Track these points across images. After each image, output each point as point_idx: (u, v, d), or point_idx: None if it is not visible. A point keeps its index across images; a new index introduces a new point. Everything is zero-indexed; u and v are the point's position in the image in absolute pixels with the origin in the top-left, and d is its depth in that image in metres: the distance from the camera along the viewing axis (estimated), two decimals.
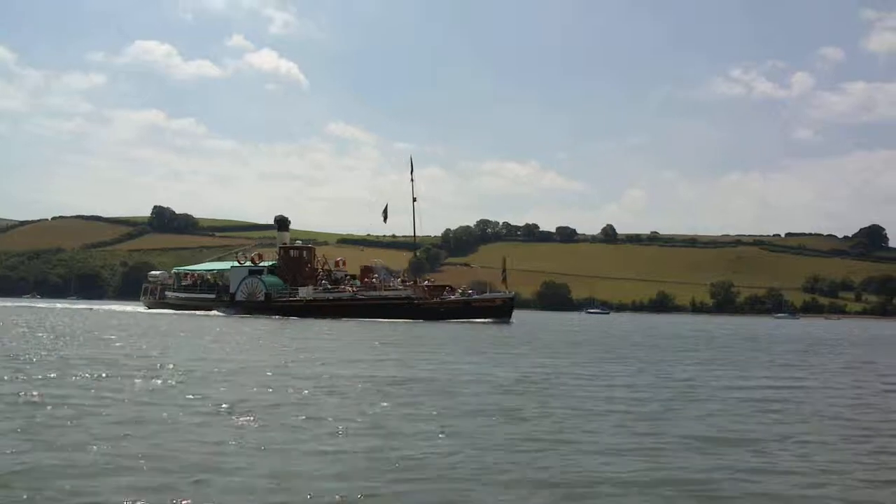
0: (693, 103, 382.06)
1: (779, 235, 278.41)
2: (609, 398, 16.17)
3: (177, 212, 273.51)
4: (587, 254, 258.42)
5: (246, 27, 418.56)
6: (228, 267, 79.70)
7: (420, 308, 66.71)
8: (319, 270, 76.36)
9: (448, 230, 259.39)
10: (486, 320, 63.88)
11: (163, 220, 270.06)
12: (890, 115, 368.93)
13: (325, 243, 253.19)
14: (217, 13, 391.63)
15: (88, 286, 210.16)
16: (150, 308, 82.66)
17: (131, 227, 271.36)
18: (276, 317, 66.53)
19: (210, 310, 73.90)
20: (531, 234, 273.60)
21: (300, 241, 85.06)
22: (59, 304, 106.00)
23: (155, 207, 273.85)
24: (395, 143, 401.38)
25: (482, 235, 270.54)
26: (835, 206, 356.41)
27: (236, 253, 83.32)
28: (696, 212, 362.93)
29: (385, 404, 14.45)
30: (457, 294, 70.08)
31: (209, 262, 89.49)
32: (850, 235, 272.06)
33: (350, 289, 71.44)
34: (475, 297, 69.04)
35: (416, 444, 10.89)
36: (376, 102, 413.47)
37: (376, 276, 72.68)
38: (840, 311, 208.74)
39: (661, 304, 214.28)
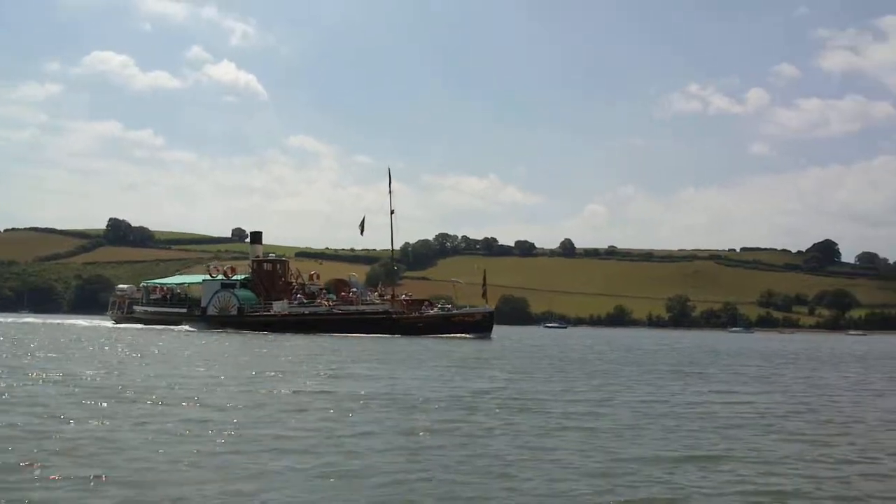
0: (651, 119, 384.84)
1: (734, 250, 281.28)
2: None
3: (133, 224, 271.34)
4: (545, 268, 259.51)
5: (205, 38, 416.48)
6: (200, 280, 77.86)
7: (398, 323, 65.21)
8: (294, 284, 74.89)
9: (407, 244, 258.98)
10: (467, 335, 62.49)
11: (118, 232, 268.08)
12: (843, 131, 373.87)
13: (284, 256, 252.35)
14: (176, 24, 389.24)
15: (42, 300, 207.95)
16: (117, 322, 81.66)
17: (86, 240, 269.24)
18: (250, 332, 64.79)
19: (180, 324, 72.62)
20: (490, 248, 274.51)
21: (273, 255, 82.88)
22: (27, 319, 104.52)
23: (110, 220, 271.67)
24: (355, 156, 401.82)
25: (441, 249, 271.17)
26: (789, 221, 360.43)
27: (208, 266, 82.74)
28: (654, 226, 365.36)
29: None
30: (436, 309, 68.92)
31: (178, 275, 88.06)
32: (803, 250, 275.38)
33: (326, 303, 69.95)
34: (455, 311, 67.97)
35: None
36: (336, 115, 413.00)
37: (353, 290, 71.12)
38: (794, 325, 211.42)
39: (618, 319, 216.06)
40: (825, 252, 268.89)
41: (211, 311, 72.17)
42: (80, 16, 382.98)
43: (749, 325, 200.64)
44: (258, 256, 77.45)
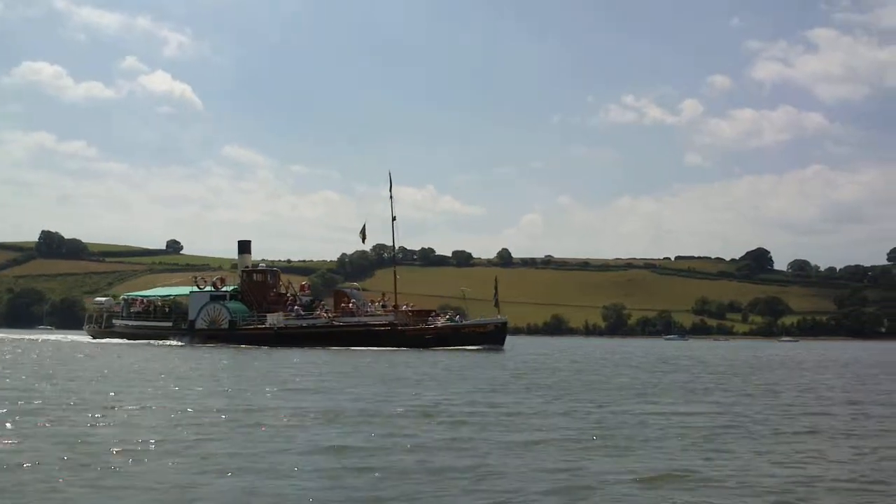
0: (587, 129, 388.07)
1: (669, 259, 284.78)
2: None
3: (66, 237, 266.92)
4: (483, 277, 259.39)
5: (139, 49, 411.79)
6: (186, 292, 73.55)
7: (404, 335, 61.76)
8: (288, 295, 71.49)
9: (344, 254, 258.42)
10: (477, 347, 58.99)
11: (51, 245, 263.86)
12: (776, 141, 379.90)
13: (220, 268, 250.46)
14: (110, 34, 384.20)
15: None
16: (95, 337, 77.80)
17: (18, 253, 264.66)
18: (243, 346, 61.81)
19: (165, 339, 69.16)
20: (427, 258, 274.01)
21: (263, 265, 79.02)
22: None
23: (43, 232, 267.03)
24: (291, 166, 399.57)
25: (378, 260, 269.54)
26: (723, 230, 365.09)
27: (194, 277, 77.35)
28: (590, 236, 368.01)
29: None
30: (444, 320, 65.15)
31: (162, 287, 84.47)
32: (737, 258, 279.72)
33: (325, 315, 66.44)
34: (465, 322, 64.47)
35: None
36: (271, 125, 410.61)
37: (353, 301, 67.19)
38: (728, 333, 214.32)
39: (556, 327, 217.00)
40: (758, 260, 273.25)
41: (199, 324, 68.87)
42: (11, 25, 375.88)
43: (684, 333, 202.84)
44: (247, 267, 73.39)
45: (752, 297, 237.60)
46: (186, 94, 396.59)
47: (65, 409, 17.29)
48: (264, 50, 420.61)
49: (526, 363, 42.77)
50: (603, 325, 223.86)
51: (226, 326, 67.58)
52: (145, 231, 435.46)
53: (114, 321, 77.68)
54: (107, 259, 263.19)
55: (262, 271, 73.52)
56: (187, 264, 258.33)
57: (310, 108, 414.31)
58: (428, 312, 66.49)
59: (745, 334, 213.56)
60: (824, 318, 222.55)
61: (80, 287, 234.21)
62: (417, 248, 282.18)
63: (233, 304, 68.80)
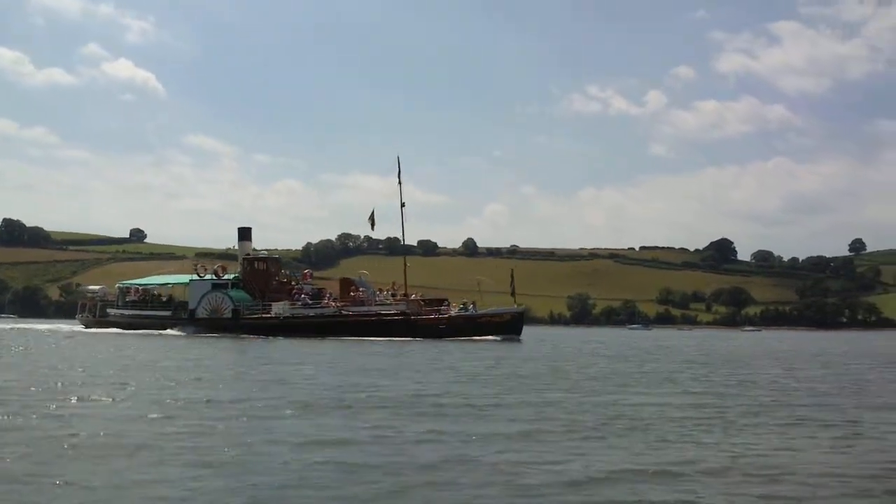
0: (552, 119, 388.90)
1: (633, 249, 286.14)
2: None
3: (27, 224, 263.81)
4: (448, 267, 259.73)
5: (101, 35, 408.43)
6: (186, 280, 71.33)
7: (418, 325, 60.08)
8: (293, 284, 69.28)
9: (309, 244, 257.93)
10: (494, 338, 57.52)
11: (12, 233, 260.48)
12: (739, 132, 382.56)
13: (184, 257, 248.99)
14: (71, 20, 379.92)
15: None
16: (88, 327, 75.59)
17: None
18: (250, 336, 59.62)
19: (164, 328, 66.81)
20: (392, 247, 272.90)
21: (265, 252, 76.61)
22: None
23: (4, 220, 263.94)
24: (255, 155, 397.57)
25: (344, 249, 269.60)
26: (687, 220, 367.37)
27: (195, 265, 75.52)
28: (555, 226, 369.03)
29: None
30: (457, 309, 63.46)
31: (157, 274, 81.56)
32: (700, 249, 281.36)
33: (333, 304, 64.43)
34: (480, 312, 62.48)
35: None
36: (235, 113, 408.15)
37: (361, 289, 65.21)
38: (691, 322, 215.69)
39: None
40: (722, 250, 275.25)
41: (200, 313, 67.06)
42: None
43: (648, 323, 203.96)
44: (248, 254, 71.01)
45: (716, 287, 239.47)
46: (150, 82, 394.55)
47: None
48: (228, 38, 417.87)
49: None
50: (568, 314, 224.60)
51: (229, 316, 65.92)
52: (108, 219, 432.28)
53: (108, 310, 75.54)
54: (69, 247, 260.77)
55: (264, 259, 71.59)
56: (151, 253, 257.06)
57: (274, 96, 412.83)
58: (440, 301, 64.97)
59: (708, 324, 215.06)
60: (787, 308, 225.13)
61: (42, 275, 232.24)
62: (383, 237, 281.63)
63: (235, 293, 66.93)
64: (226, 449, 11.91)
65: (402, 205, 69.84)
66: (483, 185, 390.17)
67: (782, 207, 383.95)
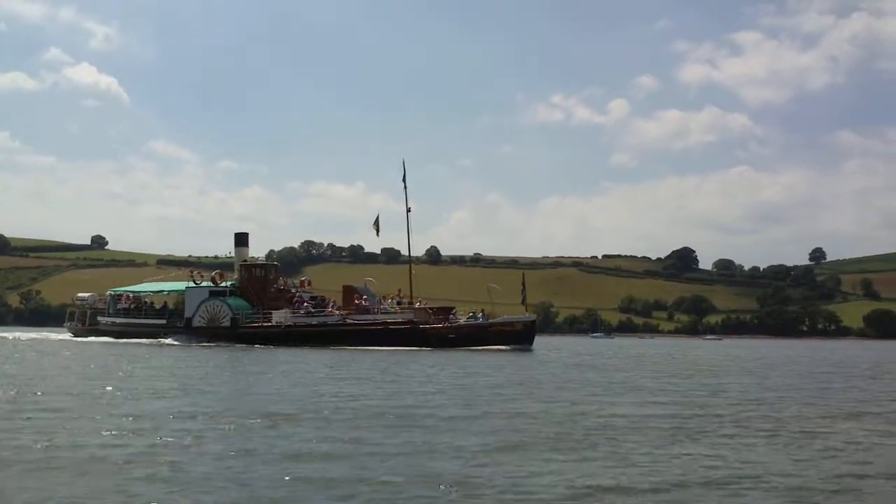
0: (516, 128, 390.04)
1: (596, 257, 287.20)
2: None
3: None
4: (413, 275, 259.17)
5: (64, 40, 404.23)
6: (182, 287, 69.22)
7: (426, 334, 58.30)
8: (294, 292, 67.93)
9: (272, 251, 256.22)
10: (504, 347, 55.92)
11: None
12: (701, 141, 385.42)
13: (145, 264, 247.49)
14: (32, 25, 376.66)
15: None
16: (77, 336, 73.62)
17: None
18: (247, 345, 58.35)
19: (158, 337, 65.09)
20: (356, 255, 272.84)
21: (261, 258, 74.91)
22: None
23: None
24: (219, 162, 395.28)
25: (307, 257, 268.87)
26: (649, 229, 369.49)
27: (191, 272, 72.31)
28: (519, 234, 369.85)
29: None
30: (467, 317, 62.55)
31: (149, 282, 79.31)
32: (663, 257, 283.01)
33: (336, 312, 62.68)
34: (491, 320, 61.16)
35: None
36: (200, 120, 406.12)
37: (364, 297, 63.63)
38: (653, 331, 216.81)
39: None
40: (683, 259, 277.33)
41: (197, 322, 65.07)
42: None
43: (610, 331, 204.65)
44: (245, 261, 69.07)
45: (678, 295, 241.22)
46: (112, 88, 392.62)
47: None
48: (192, 44, 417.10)
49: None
50: None
51: (227, 325, 63.97)
52: (70, 226, 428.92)
53: (99, 318, 73.53)
54: (30, 254, 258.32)
55: (263, 265, 69.80)
56: (113, 260, 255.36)
57: (238, 103, 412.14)
58: (448, 310, 63.45)
59: (670, 332, 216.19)
60: (748, 316, 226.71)
61: (2, 283, 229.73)
62: (347, 245, 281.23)
63: (234, 301, 64.94)
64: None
65: (408, 210, 68.30)
66: (448, 193, 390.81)
67: (744, 217, 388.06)
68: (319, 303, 66.07)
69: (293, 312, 62.81)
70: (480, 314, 62.96)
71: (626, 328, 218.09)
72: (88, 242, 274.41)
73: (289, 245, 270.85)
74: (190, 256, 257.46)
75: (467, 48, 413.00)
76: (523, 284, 63.83)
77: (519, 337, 58.61)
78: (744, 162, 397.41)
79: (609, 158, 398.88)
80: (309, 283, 72.41)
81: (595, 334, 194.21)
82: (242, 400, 20.40)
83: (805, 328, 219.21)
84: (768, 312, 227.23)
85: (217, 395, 21.32)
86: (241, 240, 71.56)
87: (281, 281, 70.21)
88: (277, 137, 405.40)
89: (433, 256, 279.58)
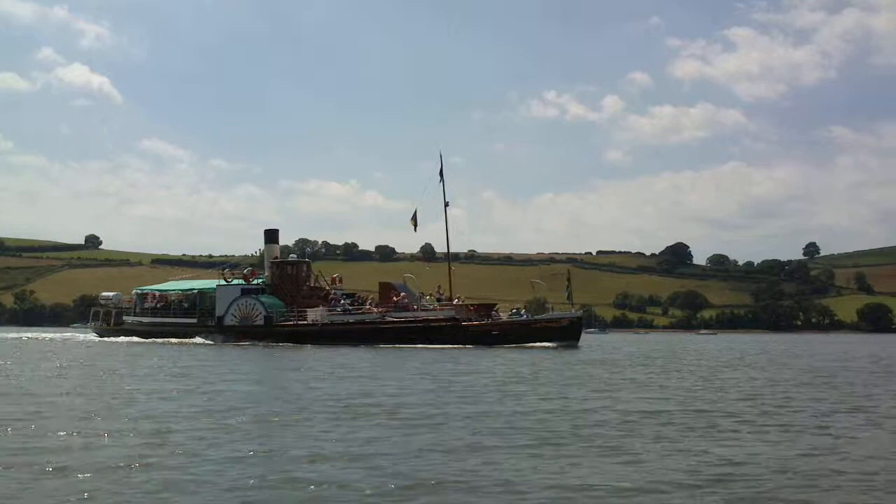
0: (510, 125, 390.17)
1: (590, 253, 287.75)
2: None
3: None
4: (406, 272, 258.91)
5: (55, 40, 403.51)
6: (213, 285, 66.82)
7: (468, 331, 56.29)
8: (326, 289, 65.96)
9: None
10: (550, 344, 54.32)
11: None
12: (695, 137, 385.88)
13: (140, 263, 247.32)
14: (24, 25, 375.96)
15: None
16: (102, 336, 71.73)
17: None
18: (283, 344, 56.83)
19: (188, 337, 63.49)
20: (350, 253, 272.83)
21: (294, 255, 73.31)
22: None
23: None
24: (212, 161, 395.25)
25: (301, 255, 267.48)
26: (643, 225, 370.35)
27: (221, 270, 72.22)
28: (513, 231, 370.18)
29: None
30: (510, 314, 60.70)
31: (176, 280, 77.34)
32: (657, 253, 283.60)
33: (375, 310, 60.42)
34: (536, 317, 59.68)
35: None
36: (192, 119, 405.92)
37: (402, 293, 61.31)
38: (648, 326, 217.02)
39: None
40: (678, 254, 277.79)
41: (229, 320, 63.14)
42: None
43: (605, 326, 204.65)
44: (276, 257, 67.49)
45: (672, 290, 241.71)
46: (105, 87, 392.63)
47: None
48: (184, 43, 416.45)
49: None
50: None
51: (261, 323, 62.08)
52: (63, 225, 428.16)
53: (124, 318, 72.02)
54: (24, 254, 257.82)
55: (295, 262, 68.12)
56: (106, 259, 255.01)
57: (231, 101, 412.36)
58: (489, 307, 61.69)
59: (664, 327, 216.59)
60: (742, 311, 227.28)
61: None
62: (341, 242, 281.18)
63: (267, 299, 63.05)
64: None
65: (446, 204, 65.67)
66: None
67: (737, 212, 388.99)
68: (356, 300, 64.11)
69: (329, 310, 60.88)
70: (523, 311, 61.61)
71: (620, 323, 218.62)
72: (82, 242, 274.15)
73: (282, 243, 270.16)
74: (184, 255, 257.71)
75: (461, 46, 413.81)
76: (568, 280, 61.65)
77: (565, 333, 56.33)
78: (737, 157, 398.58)
79: (603, 155, 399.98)
80: (340, 280, 70.40)
81: (589, 330, 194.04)
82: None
83: (799, 322, 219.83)
84: (762, 307, 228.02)
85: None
86: (272, 236, 69.23)
87: (313, 278, 68.02)
88: (270, 136, 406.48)
89: (427, 253, 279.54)
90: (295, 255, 77.57)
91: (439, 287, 65.23)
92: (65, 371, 28.16)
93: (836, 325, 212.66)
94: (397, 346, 53.59)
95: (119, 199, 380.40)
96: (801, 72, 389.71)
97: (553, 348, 52.58)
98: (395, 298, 60.39)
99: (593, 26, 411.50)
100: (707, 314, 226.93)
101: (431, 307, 59.95)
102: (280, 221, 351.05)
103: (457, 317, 57.51)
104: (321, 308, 60.87)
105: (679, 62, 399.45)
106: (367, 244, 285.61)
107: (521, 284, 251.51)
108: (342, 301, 62.57)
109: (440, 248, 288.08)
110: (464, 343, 54.60)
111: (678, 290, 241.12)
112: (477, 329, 56.62)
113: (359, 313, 60.45)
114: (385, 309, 59.79)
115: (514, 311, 61.91)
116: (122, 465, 10.58)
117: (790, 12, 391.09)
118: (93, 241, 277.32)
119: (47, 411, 15.89)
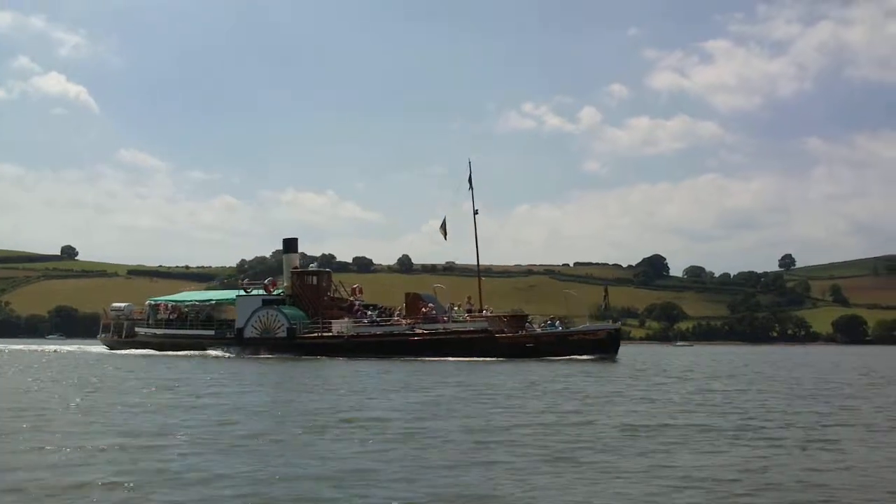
0: (487, 136, 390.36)
1: (568, 265, 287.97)
2: None
3: None
4: (383, 284, 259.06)
5: (33, 49, 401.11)
6: (232, 296, 66.24)
7: (501, 344, 54.96)
8: (350, 300, 65.00)
9: (244, 260, 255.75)
10: (587, 357, 52.58)
11: None
12: (671, 148, 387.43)
13: (116, 274, 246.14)
14: (1, 34, 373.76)
15: None
16: (113, 349, 71.18)
17: None
18: (306, 357, 55.85)
19: (205, 349, 62.59)
20: (327, 264, 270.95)
21: (314, 265, 72.25)
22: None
23: None
24: (189, 172, 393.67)
25: (278, 266, 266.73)
26: (620, 236, 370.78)
27: (242, 279, 70.84)
28: (491, 242, 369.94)
29: None
30: (544, 325, 59.59)
31: (191, 291, 75.17)
32: (633, 265, 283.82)
33: (403, 321, 58.89)
34: (571, 329, 57.93)
35: None
36: (169, 129, 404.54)
37: (430, 305, 60.22)
38: (625, 338, 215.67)
39: None
40: (654, 266, 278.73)
41: (249, 332, 61.76)
42: None
43: None
44: (296, 267, 65.72)
45: (649, 302, 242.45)
46: (81, 97, 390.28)
47: None
48: (161, 52, 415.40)
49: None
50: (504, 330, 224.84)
51: (283, 335, 60.52)
52: (39, 236, 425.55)
53: (136, 329, 70.96)
54: None
55: (316, 272, 66.68)
56: (83, 270, 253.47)
57: (208, 111, 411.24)
58: (522, 318, 60.33)
59: (641, 339, 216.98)
60: (718, 322, 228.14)
61: None
62: (318, 253, 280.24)
63: (290, 310, 61.55)
64: None
65: (476, 212, 64.85)
66: (420, 201, 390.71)
67: (714, 223, 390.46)
68: (383, 311, 62.75)
69: (355, 322, 59.78)
70: (557, 323, 60.22)
71: None
72: (58, 253, 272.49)
73: (259, 255, 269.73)
74: (160, 266, 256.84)
75: (439, 57, 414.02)
76: (606, 291, 62.27)
77: (603, 346, 54.69)
78: (714, 169, 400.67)
79: (580, 166, 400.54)
80: (361, 291, 68.75)
81: None
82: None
83: (775, 334, 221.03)
84: (738, 319, 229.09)
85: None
86: (290, 246, 67.66)
87: (333, 289, 67.00)
88: (247, 146, 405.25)
89: (405, 265, 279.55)
90: (315, 265, 76.37)
91: (469, 298, 63.89)
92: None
93: (811, 337, 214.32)
94: (427, 359, 52.09)
95: (96, 209, 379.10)
96: (777, 84, 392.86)
97: (592, 361, 50.82)
98: (423, 310, 59.36)
99: (571, 37, 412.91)
100: (684, 326, 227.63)
101: (461, 318, 58.56)
102: (258, 232, 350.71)
103: (489, 328, 56.42)
104: (346, 319, 59.83)
105: (656, 74, 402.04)
106: (344, 255, 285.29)
107: (499, 296, 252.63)
108: (369, 312, 61.43)
109: (418, 259, 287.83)
110: (497, 356, 53.22)
111: (654, 302, 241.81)
112: (510, 341, 55.41)
113: (387, 325, 59.16)
114: (413, 321, 58.60)
115: (548, 322, 60.80)
116: None
117: (766, 24, 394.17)
118: (69, 252, 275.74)
119: None
